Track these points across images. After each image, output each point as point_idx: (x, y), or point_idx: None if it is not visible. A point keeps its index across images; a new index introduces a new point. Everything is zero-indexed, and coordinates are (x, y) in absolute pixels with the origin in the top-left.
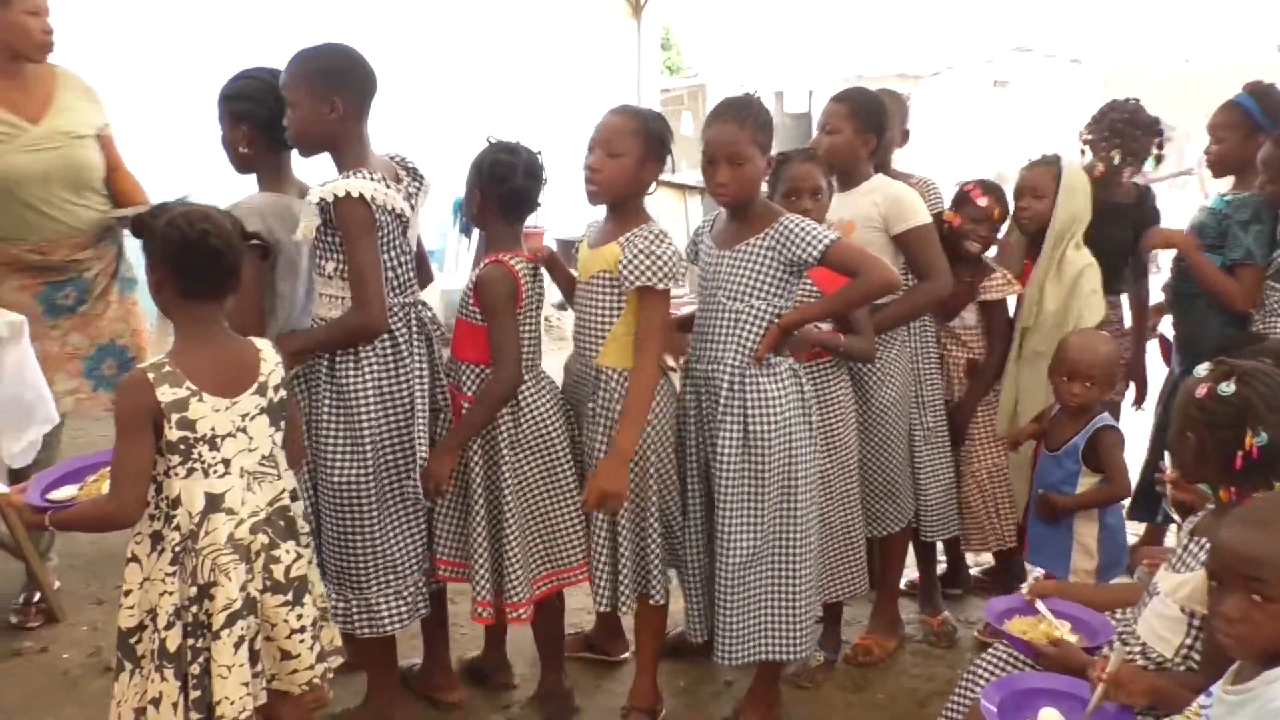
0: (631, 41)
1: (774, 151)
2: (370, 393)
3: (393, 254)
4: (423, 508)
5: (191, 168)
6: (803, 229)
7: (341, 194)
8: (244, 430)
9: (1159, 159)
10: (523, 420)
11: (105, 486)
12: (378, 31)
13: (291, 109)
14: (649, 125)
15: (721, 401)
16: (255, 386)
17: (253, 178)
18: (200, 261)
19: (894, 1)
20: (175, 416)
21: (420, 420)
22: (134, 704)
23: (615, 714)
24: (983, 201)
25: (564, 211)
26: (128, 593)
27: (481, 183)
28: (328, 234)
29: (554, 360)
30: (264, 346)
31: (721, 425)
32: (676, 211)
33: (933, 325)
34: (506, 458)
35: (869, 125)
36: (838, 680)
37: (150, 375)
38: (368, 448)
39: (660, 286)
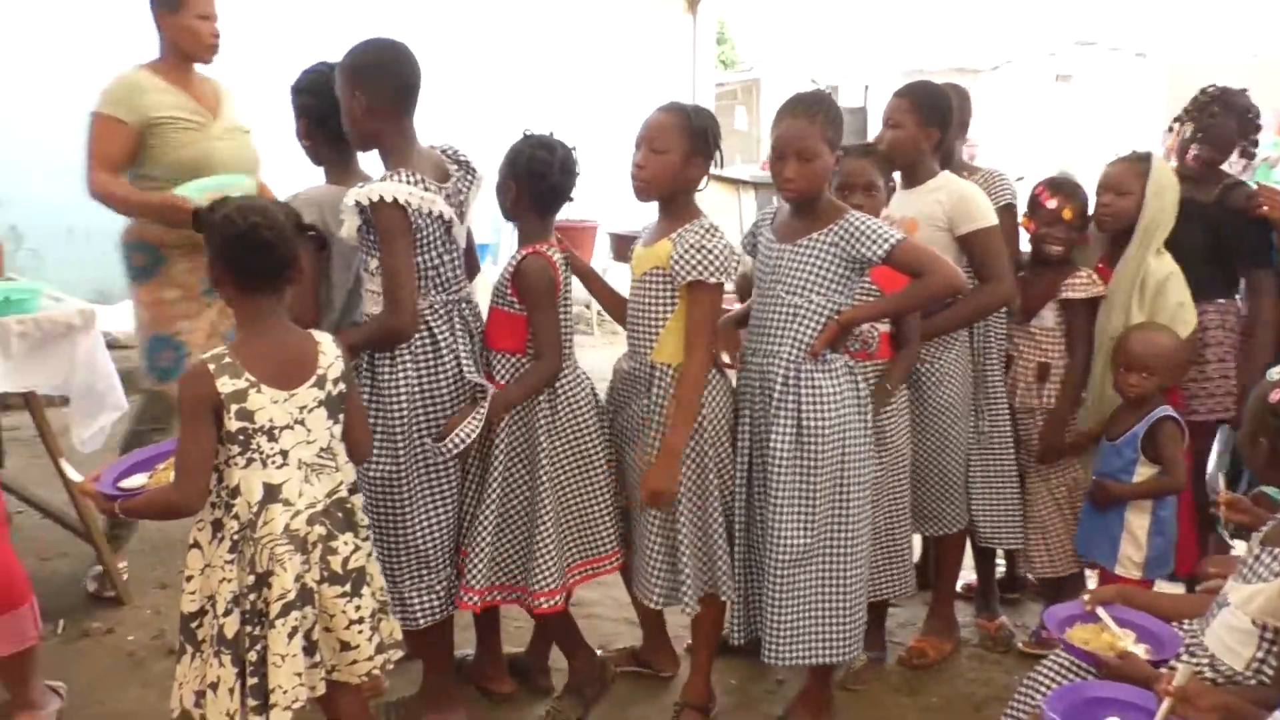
0: (687, 36)
1: None
2: (406, 389)
3: (434, 254)
4: (456, 503)
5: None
6: (869, 227)
7: (375, 199)
8: (302, 422)
9: (1248, 153)
10: (559, 408)
11: (173, 475)
12: (435, 26)
13: (341, 105)
14: (693, 121)
15: (776, 396)
16: (314, 379)
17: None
18: (254, 254)
19: None
20: (234, 407)
21: (480, 420)
22: (194, 686)
23: (667, 711)
24: (1051, 203)
25: (618, 207)
26: (189, 578)
27: (518, 177)
28: (368, 234)
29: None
30: (323, 339)
31: (775, 420)
32: (730, 207)
33: (999, 326)
34: (544, 446)
35: (932, 119)
36: (891, 682)
37: (210, 366)
38: (401, 443)
39: (712, 280)
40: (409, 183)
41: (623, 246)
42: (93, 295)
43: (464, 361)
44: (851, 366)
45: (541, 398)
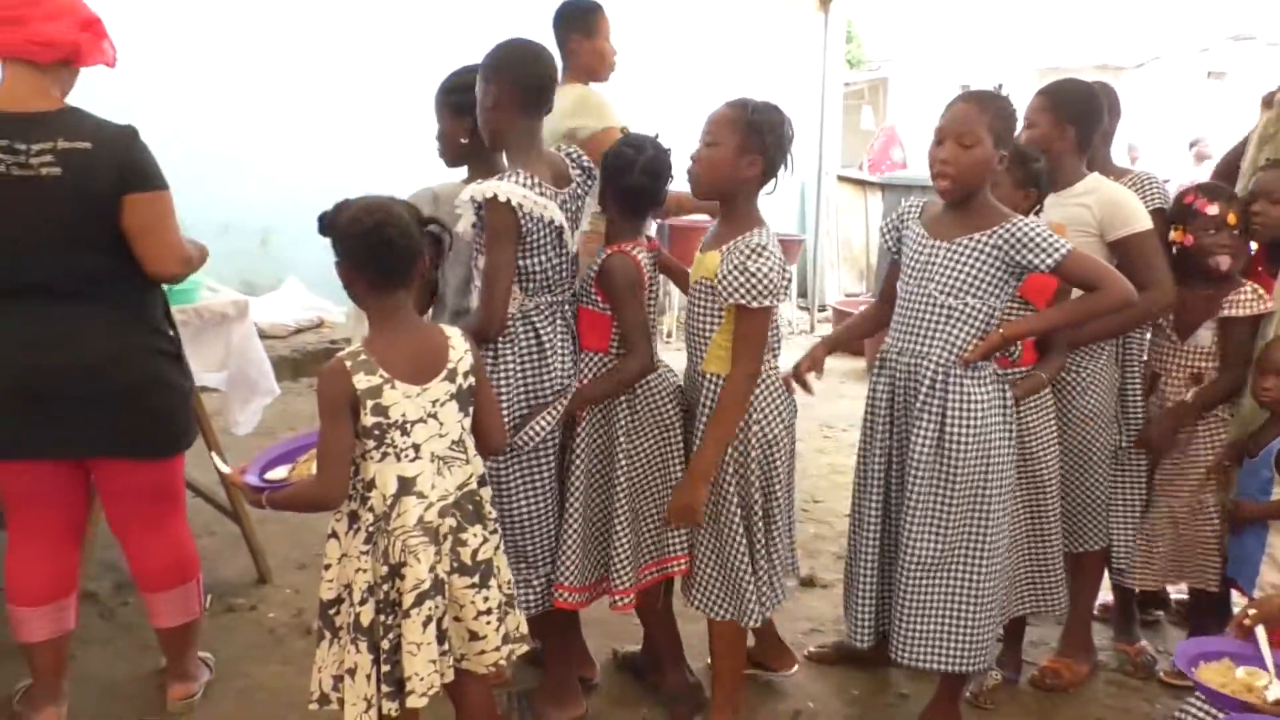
0: (818, 35)
1: None
2: (508, 387)
3: (543, 258)
4: (554, 499)
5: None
6: (1038, 235)
7: (489, 195)
8: (434, 416)
9: None
10: (639, 408)
11: (314, 467)
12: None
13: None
14: (749, 115)
15: (921, 398)
16: (445, 373)
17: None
18: (379, 252)
19: None
20: (370, 403)
21: (557, 414)
22: (332, 671)
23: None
24: (1212, 209)
25: None
26: (327, 566)
27: (605, 174)
28: (481, 232)
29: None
30: (453, 333)
31: (918, 422)
32: (856, 208)
33: (1139, 337)
34: (622, 444)
35: (1068, 117)
36: (1021, 703)
37: (348, 363)
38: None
39: (754, 305)
40: (525, 185)
41: None
42: (241, 287)
43: (566, 362)
44: (1000, 375)
45: (622, 397)
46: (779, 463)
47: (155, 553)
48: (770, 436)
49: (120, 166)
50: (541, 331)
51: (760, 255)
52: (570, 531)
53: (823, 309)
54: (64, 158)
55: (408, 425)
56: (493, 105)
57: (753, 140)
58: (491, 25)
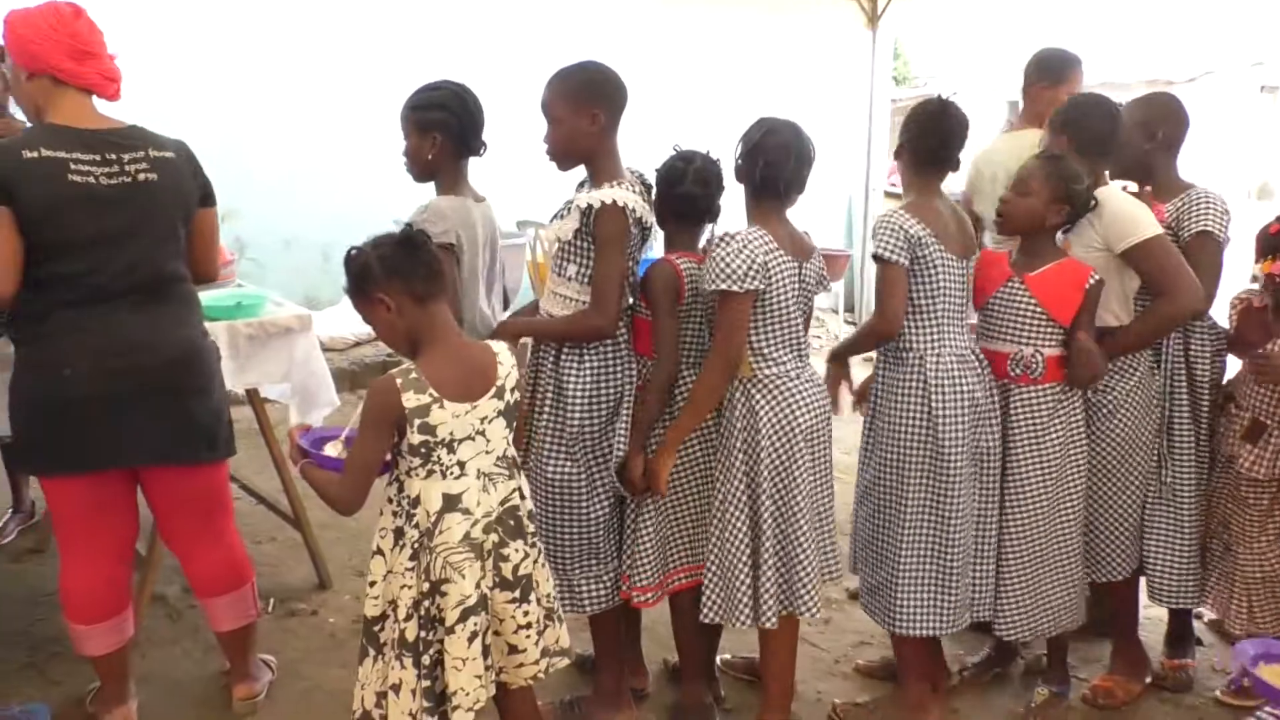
0: (866, 52)
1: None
2: (586, 390)
3: (632, 263)
4: (616, 496)
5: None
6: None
7: (609, 201)
8: (482, 433)
9: None
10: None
11: None
12: (617, 47)
13: (554, 125)
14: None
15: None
16: (493, 390)
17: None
18: (416, 254)
19: (1144, 1)
20: (417, 421)
21: (624, 418)
22: (376, 688)
23: None
24: None
25: (800, 224)
26: (372, 583)
27: (658, 186)
28: (579, 239)
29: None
30: (500, 349)
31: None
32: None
33: (1196, 369)
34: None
35: (1061, 128)
36: None
37: (398, 380)
38: (577, 443)
39: (710, 288)
40: (630, 192)
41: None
42: (303, 301)
43: (630, 366)
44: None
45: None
46: (797, 471)
47: (210, 559)
48: (784, 446)
49: (199, 178)
50: (619, 337)
51: (726, 243)
52: (644, 532)
53: None
54: (157, 165)
55: (454, 443)
56: (598, 128)
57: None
58: (551, 47)
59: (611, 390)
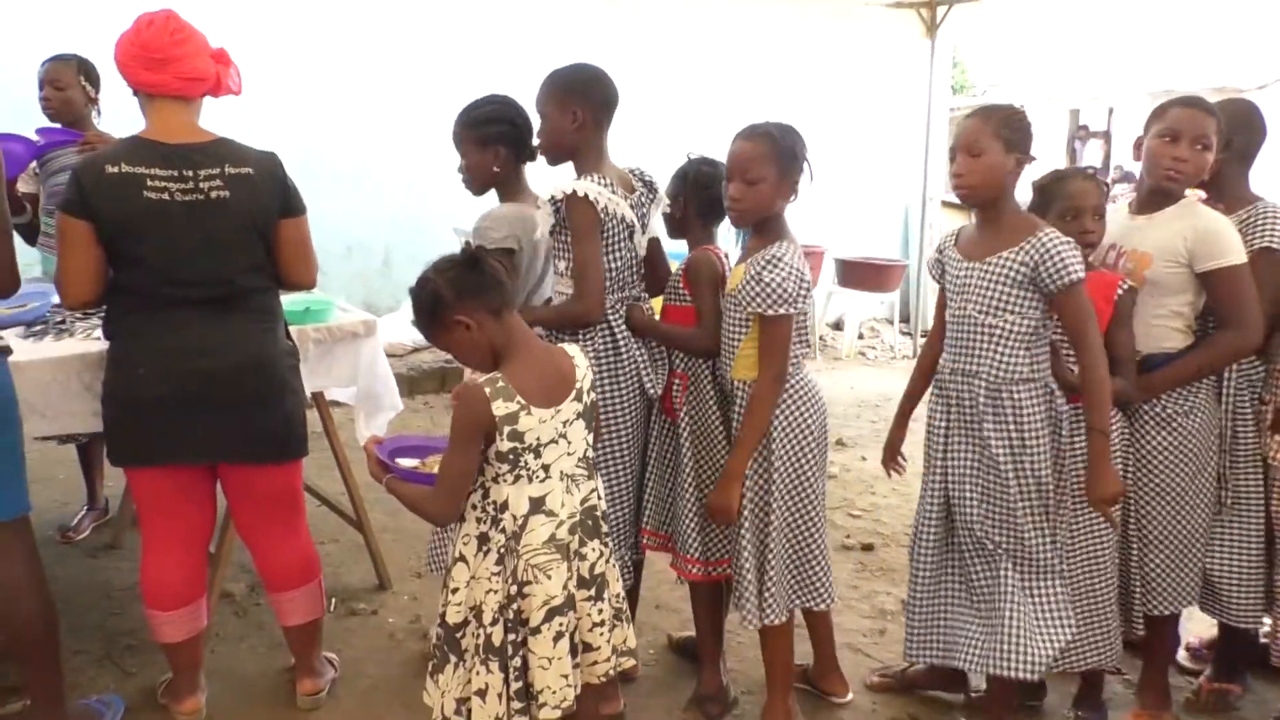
0: (924, 61)
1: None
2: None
3: (616, 256)
4: (634, 482)
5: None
6: (1058, 251)
7: (570, 191)
8: (564, 436)
9: None
10: (701, 411)
11: (438, 469)
12: (673, 52)
13: (542, 121)
14: (781, 145)
15: (975, 415)
16: (573, 393)
17: None
18: (483, 272)
19: (1209, 5)
20: (507, 429)
21: (641, 404)
22: (456, 694)
23: None
24: None
25: (846, 232)
26: (454, 590)
27: (685, 190)
28: (561, 234)
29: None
30: (575, 353)
31: (973, 437)
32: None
33: (1256, 378)
34: (688, 450)
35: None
36: None
37: (487, 389)
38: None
39: (770, 314)
40: (599, 184)
41: (850, 272)
42: (363, 307)
43: (638, 354)
44: (1053, 388)
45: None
46: (810, 473)
47: (283, 554)
48: (798, 448)
49: (279, 192)
50: (615, 327)
51: (775, 266)
52: (686, 508)
53: (925, 335)
54: (231, 182)
55: (540, 447)
56: (578, 125)
57: (790, 167)
58: (606, 54)
59: (627, 372)
